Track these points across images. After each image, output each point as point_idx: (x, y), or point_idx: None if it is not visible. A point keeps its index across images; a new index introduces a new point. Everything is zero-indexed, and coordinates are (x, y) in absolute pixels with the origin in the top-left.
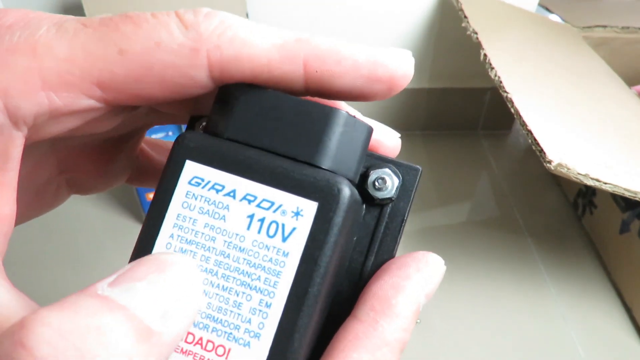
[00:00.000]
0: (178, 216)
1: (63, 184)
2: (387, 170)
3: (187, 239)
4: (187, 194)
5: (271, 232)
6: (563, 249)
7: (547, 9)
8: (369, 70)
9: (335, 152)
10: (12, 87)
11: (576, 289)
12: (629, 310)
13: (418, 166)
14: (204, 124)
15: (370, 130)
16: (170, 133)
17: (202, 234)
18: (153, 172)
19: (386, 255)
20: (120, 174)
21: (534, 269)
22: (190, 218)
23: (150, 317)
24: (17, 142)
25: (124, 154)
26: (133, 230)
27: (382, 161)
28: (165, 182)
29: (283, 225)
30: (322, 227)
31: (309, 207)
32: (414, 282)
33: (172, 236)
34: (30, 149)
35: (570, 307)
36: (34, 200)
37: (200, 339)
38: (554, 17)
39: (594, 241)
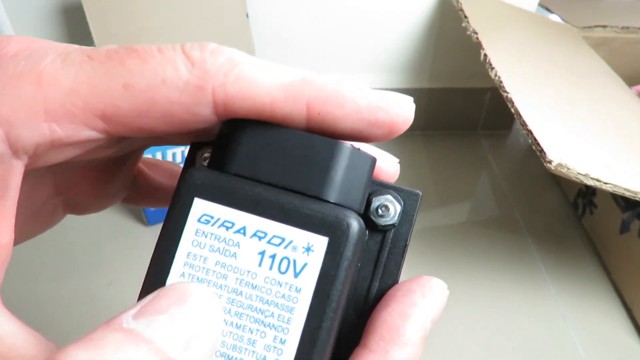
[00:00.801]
0: (188, 255)
1: (60, 205)
2: (389, 197)
3: (198, 278)
4: (196, 232)
5: (283, 269)
6: (563, 249)
7: (547, 9)
8: (370, 114)
9: (341, 185)
10: (15, 116)
11: (576, 289)
12: (629, 310)
13: (418, 191)
14: (205, 154)
15: (373, 161)
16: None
17: (214, 271)
18: (150, 192)
19: (390, 279)
20: (117, 194)
21: (534, 269)
22: (201, 256)
23: (173, 350)
24: (16, 171)
25: (121, 174)
26: (133, 231)
27: (383, 187)
28: (174, 220)
29: (294, 261)
30: (333, 262)
31: (320, 243)
32: (420, 309)
33: (183, 275)
34: (28, 173)
35: (570, 307)
36: (30, 221)
37: None
38: (554, 17)
39: (594, 241)
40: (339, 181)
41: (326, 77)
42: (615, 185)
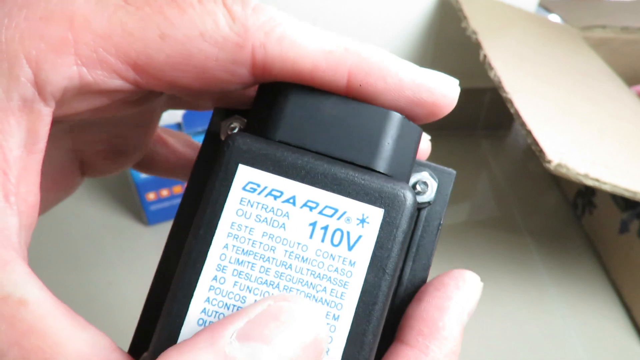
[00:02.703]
0: (232, 225)
1: (77, 168)
2: (425, 173)
3: (243, 250)
4: (241, 200)
5: (336, 241)
6: (563, 248)
7: (547, 9)
8: (412, 92)
9: (392, 156)
10: (43, 57)
11: (576, 289)
12: (628, 310)
13: (453, 170)
14: (233, 124)
15: (421, 133)
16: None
17: (261, 243)
18: (164, 160)
19: (424, 259)
20: (132, 156)
21: (533, 269)
22: (247, 227)
23: None
24: (45, 120)
25: (140, 134)
26: (133, 231)
27: (419, 165)
28: (216, 187)
29: (348, 233)
30: (388, 235)
31: (375, 214)
32: (455, 301)
33: (226, 246)
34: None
35: (569, 307)
36: (50, 186)
37: None
38: (554, 17)
39: (594, 241)
40: (390, 152)
41: (372, 47)
42: (615, 185)
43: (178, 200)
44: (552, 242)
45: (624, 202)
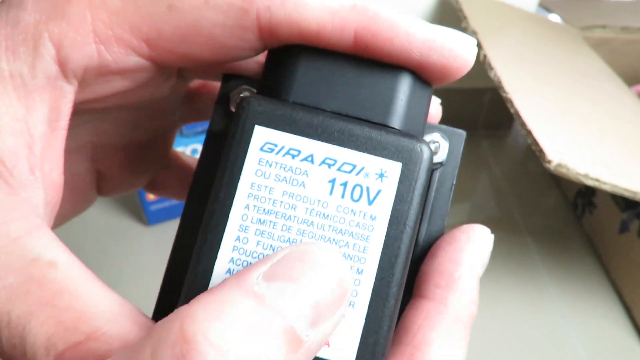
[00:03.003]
0: (252, 185)
1: (93, 182)
2: (437, 134)
3: (264, 209)
4: (259, 161)
5: (355, 196)
6: (563, 248)
7: (547, 9)
8: (421, 54)
9: (406, 112)
10: (64, 36)
11: (576, 289)
12: (628, 310)
13: (463, 131)
14: (243, 94)
15: (432, 92)
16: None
17: (281, 202)
18: (177, 180)
19: (439, 220)
20: (146, 174)
21: (533, 269)
22: (266, 187)
23: (302, 327)
24: (68, 98)
25: (155, 151)
26: (133, 231)
27: (429, 127)
28: (234, 149)
29: (367, 188)
30: (407, 188)
31: (394, 168)
32: (469, 253)
33: (247, 207)
34: (69, 135)
35: (569, 307)
36: (68, 195)
37: None
38: (554, 17)
39: (594, 241)
40: (404, 108)
41: (381, 6)
42: (615, 185)
43: (178, 201)
44: (552, 242)
45: (624, 202)
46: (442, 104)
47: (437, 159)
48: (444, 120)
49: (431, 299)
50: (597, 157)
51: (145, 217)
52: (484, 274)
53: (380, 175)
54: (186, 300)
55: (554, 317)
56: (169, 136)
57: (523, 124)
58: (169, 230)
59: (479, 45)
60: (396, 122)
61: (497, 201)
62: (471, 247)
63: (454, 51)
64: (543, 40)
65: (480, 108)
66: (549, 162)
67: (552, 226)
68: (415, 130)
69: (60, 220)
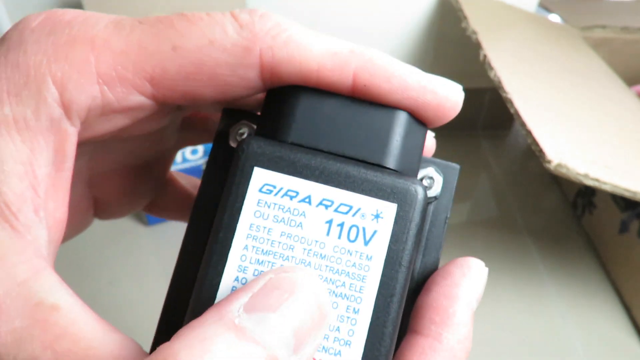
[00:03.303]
0: (251, 226)
1: (91, 205)
2: (431, 169)
3: (263, 250)
4: (258, 202)
5: (352, 237)
6: (563, 248)
7: (547, 9)
8: (417, 93)
9: (401, 153)
10: (68, 78)
11: (576, 289)
12: (628, 310)
13: (457, 164)
14: (241, 130)
15: (426, 130)
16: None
17: (279, 243)
18: (176, 200)
19: (434, 253)
20: (144, 198)
21: (533, 269)
22: (265, 227)
23: (284, 355)
24: (72, 139)
25: (153, 174)
26: (133, 231)
27: (424, 161)
28: (234, 190)
29: (364, 228)
30: (402, 228)
31: (389, 209)
32: (464, 288)
33: (246, 247)
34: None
35: (569, 307)
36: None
37: None
38: (554, 17)
39: (594, 241)
40: (399, 149)
41: (377, 51)
42: (615, 185)
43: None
44: (552, 242)
45: (624, 202)
46: None
47: (432, 193)
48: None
49: (426, 336)
50: (597, 157)
51: (145, 217)
52: None
53: (376, 216)
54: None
55: (554, 317)
56: (165, 161)
57: (523, 124)
58: (169, 230)
59: (480, 45)
60: (392, 162)
61: (497, 201)
62: (466, 282)
63: (445, 92)
64: (543, 40)
65: (480, 108)
66: (549, 162)
67: (552, 226)
68: (410, 169)
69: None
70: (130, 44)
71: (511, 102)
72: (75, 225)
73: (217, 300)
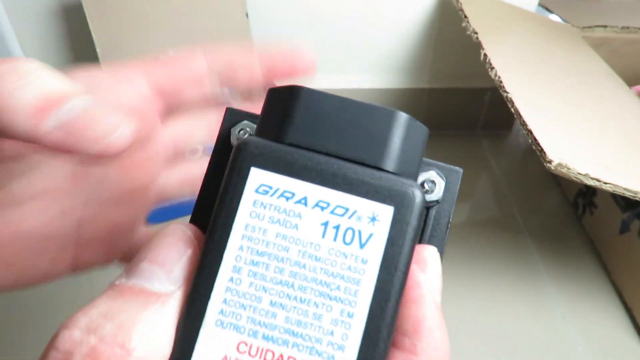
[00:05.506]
0: (246, 227)
1: (67, 252)
2: (433, 172)
3: (257, 251)
4: (254, 203)
5: (347, 239)
6: (563, 249)
7: (547, 9)
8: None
9: (400, 155)
10: None
11: (576, 289)
12: (629, 310)
13: (459, 168)
14: (241, 131)
15: (427, 132)
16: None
17: (274, 244)
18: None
19: None
20: (123, 244)
21: (533, 269)
22: (260, 228)
23: None
24: None
25: (131, 226)
26: None
27: (426, 164)
28: (230, 191)
29: (360, 231)
30: (399, 232)
31: (386, 212)
32: (425, 286)
33: (241, 248)
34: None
35: (570, 307)
36: (33, 250)
37: (281, 356)
38: (554, 17)
39: (594, 241)
40: (398, 151)
41: None
42: (615, 185)
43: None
44: (552, 242)
45: (624, 202)
46: (443, 103)
47: (433, 197)
48: (445, 120)
49: (402, 349)
50: (597, 157)
51: (145, 217)
52: (485, 274)
53: (373, 219)
54: (181, 342)
55: (554, 317)
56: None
57: (523, 124)
58: None
59: (480, 45)
60: (390, 164)
61: (497, 201)
62: (425, 278)
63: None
64: (543, 40)
65: (481, 108)
66: (550, 162)
67: (552, 226)
68: (409, 172)
69: (9, 282)
70: None
71: (512, 102)
72: (42, 265)
73: (210, 301)
